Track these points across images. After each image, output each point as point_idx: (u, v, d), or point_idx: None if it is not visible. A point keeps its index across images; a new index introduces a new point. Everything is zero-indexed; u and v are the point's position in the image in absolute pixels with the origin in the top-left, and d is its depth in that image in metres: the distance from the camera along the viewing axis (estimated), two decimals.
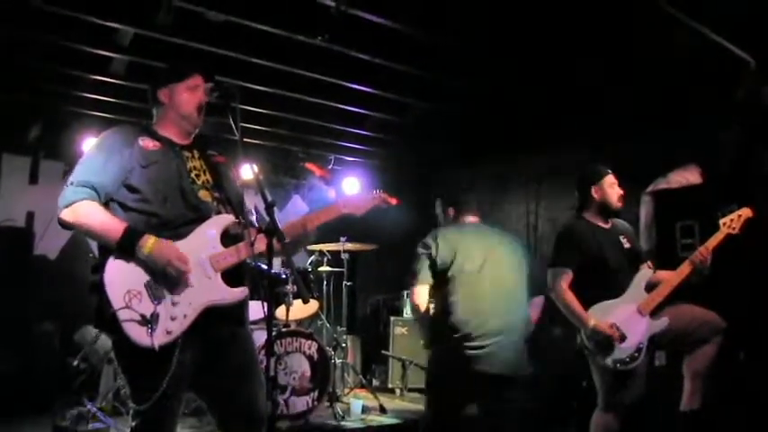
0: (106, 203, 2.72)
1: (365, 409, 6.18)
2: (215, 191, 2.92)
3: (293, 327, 6.02)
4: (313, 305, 6.52)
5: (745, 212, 3.94)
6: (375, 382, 7.65)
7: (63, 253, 7.13)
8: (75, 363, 5.77)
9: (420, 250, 4.06)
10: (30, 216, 7.10)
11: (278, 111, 6.92)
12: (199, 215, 2.79)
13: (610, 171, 4.19)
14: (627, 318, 3.83)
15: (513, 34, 5.37)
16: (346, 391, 6.89)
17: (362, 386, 7.03)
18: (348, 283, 7.27)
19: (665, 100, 5.65)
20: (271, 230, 2.66)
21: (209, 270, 2.72)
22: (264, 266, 2.75)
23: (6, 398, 5.55)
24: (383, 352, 7.52)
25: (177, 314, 2.61)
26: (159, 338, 2.55)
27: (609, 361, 3.77)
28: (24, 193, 7.11)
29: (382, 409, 6.22)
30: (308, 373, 5.73)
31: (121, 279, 2.58)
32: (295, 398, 5.64)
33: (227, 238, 2.82)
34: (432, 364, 4.17)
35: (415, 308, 4.08)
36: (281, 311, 6.01)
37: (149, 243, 2.57)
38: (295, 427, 5.56)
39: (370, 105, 7.00)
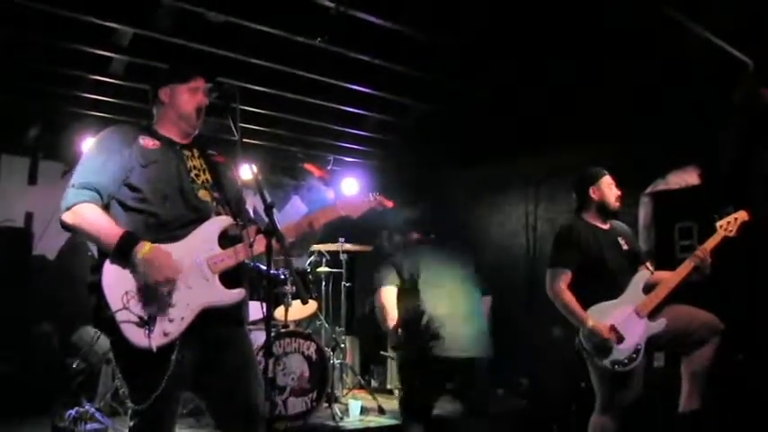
0: (107, 204, 2.72)
1: (364, 410, 6.18)
2: (214, 190, 2.92)
3: (292, 327, 6.03)
4: (312, 306, 6.53)
5: (741, 215, 3.98)
6: (374, 383, 7.65)
7: (62, 253, 7.13)
8: (74, 363, 5.77)
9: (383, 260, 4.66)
10: (29, 216, 7.09)
11: (277, 111, 6.91)
12: (198, 215, 2.79)
13: (607, 172, 4.20)
14: (625, 319, 3.83)
15: (513, 35, 5.38)
16: (345, 391, 6.90)
17: (361, 387, 7.03)
18: (347, 284, 7.28)
19: (664, 101, 5.65)
20: (270, 231, 2.66)
21: (206, 272, 2.72)
22: (263, 267, 2.75)
23: (5, 398, 5.55)
24: (382, 353, 7.52)
25: (175, 316, 2.61)
26: (157, 340, 2.55)
27: (607, 362, 3.77)
28: (23, 193, 7.10)
29: (381, 410, 6.22)
30: (307, 374, 5.74)
31: (119, 281, 2.58)
32: (294, 398, 5.64)
33: (226, 239, 2.82)
34: (403, 360, 4.56)
35: (383, 308, 4.50)
36: (279, 312, 6.01)
37: (145, 248, 2.57)
38: (293, 427, 5.57)
39: (369, 106, 7.00)
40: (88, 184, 2.67)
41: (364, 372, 7.83)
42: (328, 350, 6.16)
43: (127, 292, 2.57)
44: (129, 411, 2.69)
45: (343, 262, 7.01)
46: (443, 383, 4.53)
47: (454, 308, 4.44)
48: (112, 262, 2.59)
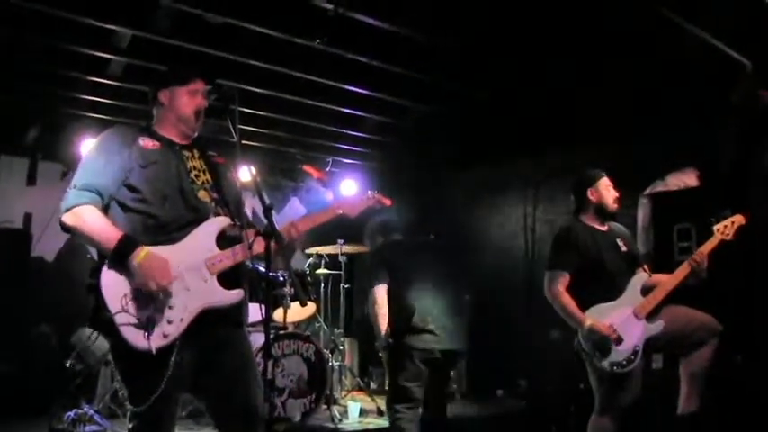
0: (107, 205, 2.73)
1: (362, 412, 6.19)
2: (214, 191, 2.93)
3: (291, 329, 6.03)
4: (311, 307, 6.53)
5: (738, 219, 4.00)
6: (372, 385, 7.65)
7: (60, 255, 7.12)
8: (72, 365, 5.76)
9: (375, 258, 4.74)
10: (27, 218, 7.09)
11: (276, 113, 6.91)
12: (197, 216, 2.79)
13: (605, 174, 4.21)
14: (623, 321, 3.84)
15: (512, 37, 5.38)
16: (343, 393, 6.90)
17: (360, 388, 7.04)
18: (345, 286, 7.28)
19: (663, 103, 5.66)
20: (269, 233, 2.66)
21: (205, 273, 2.72)
22: (262, 269, 2.75)
23: (3, 399, 5.54)
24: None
25: (174, 317, 2.61)
26: (156, 342, 2.55)
27: (605, 363, 3.77)
28: (22, 194, 7.10)
29: (380, 412, 6.23)
30: (306, 376, 5.74)
31: (118, 283, 2.58)
32: (292, 400, 5.64)
33: (224, 240, 2.82)
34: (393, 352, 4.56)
35: (374, 305, 4.55)
36: (278, 314, 6.01)
37: (142, 254, 2.57)
38: (292, 429, 5.56)
39: (368, 108, 7.00)
40: (89, 186, 2.67)
41: (363, 373, 7.83)
42: (327, 352, 6.16)
43: (126, 295, 2.57)
44: (128, 413, 2.69)
45: (341, 264, 7.01)
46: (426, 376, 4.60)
47: (437, 305, 4.53)
48: (110, 266, 2.60)
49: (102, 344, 5.55)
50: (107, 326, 2.55)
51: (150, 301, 2.59)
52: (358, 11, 4.88)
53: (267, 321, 2.61)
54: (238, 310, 2.88)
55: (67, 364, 5.70)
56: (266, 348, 2.66)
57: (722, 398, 4.44)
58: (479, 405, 6.92)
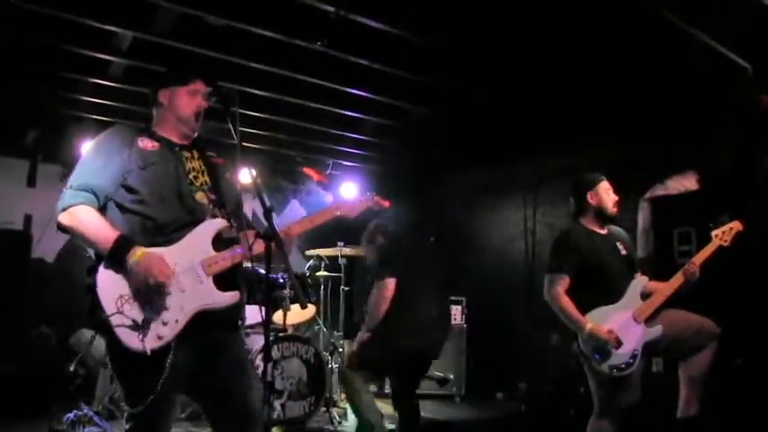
0: (104, 204, 2.73)
1: None
2: (212, 193, 2.93)
3: (290, 331, 6.02)
4: (310, 310, 6.53)
5: (736, 225, 4.03)
6: (372, 388, 7.63)
7: (60, 256, 7.13)
8: (72, 366, 5.75)
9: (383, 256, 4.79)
10: (27, 219, 7.10)
11: (276, 115, 6.92)
12: (194, 218, 2.79)
13: (604, 177, 4.21)
14: (622, 324, 3.83)
15: (512, 39, 5.38)
16: (343, 396, 6.88)
17: None
18: (345, 288, 7.27)
19: (663, 106, 5.66)
20: (269, 235, 2.65)
21: (200, 274, 2.72)
22: (262, 271, 2.75)
23: (3, 401, 5.54)
24: None
25: (169, 319, 2.61)
26: (151, 343, 2.55)
27: (605, 366, 3.77)
28: (22, 196, 7.11)
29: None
30: (305, 378, 5.73)
31: (114, 284, 2.58)
32: (292, 402, 5.64)
33: (220, 242, 2.81)
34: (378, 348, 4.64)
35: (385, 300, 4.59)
36: (278, 316, 6.00)
37: (138, 253, 2.58)
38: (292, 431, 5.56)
39: (368, 110, 7.00)
40: (85, 186, 2.68)
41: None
42: (327, 354, 6.15)
43: (121, 296, 2.57)
44: (125, 414, 2.69)
45: (341, 266, 7.00)
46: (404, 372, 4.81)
47: (428, 307, 4.65)
48: (107, 266, 2.60)
49: (101, 346, 5.54)
50: (102, 326, 2.55)
51: (146, 303, 2.59)
52: (359, 13, 4.88)
53: (267, 324, 2.60)
54: (235, 311, 2.87)
55: (71, 368, 5.70)
56: (266, 351, 2.65)
57: (722, 401, 4.44)
58: (479, 408, 6.92)
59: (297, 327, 6.49)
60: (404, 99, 6.70)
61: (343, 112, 6.91)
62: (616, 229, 4.27)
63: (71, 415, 5.10)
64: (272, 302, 5.61)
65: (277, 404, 5.49)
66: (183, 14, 4.91)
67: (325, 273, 6.96)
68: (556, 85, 5.99)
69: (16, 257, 6.84)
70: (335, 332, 7.07)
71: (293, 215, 8.98)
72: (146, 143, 2.84)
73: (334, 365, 6.51)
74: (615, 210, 4.15)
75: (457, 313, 7.46)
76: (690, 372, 3.92)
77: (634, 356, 3.79)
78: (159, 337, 2.58)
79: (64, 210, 2.65)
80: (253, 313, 5.76)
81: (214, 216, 2.86)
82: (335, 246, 6.63)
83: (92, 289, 2.58)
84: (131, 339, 2.54)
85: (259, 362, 5.40)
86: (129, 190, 2.73)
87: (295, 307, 6.01)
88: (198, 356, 2.72)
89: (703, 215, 4.40)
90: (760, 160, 5.14)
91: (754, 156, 5.19)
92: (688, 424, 3.90)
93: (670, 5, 4.36)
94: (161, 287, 2.60)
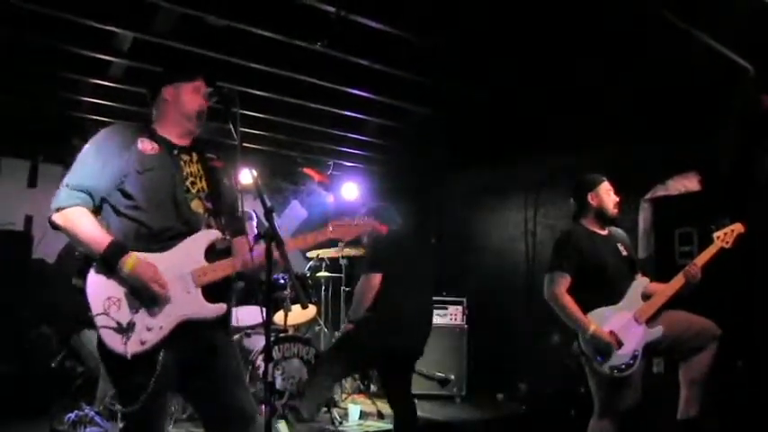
0: (100, 205, 2.74)
1: (363, 415, 6.17)
2: (208, 200, 2.93)
3: (291, 332, 6.02)
4: (311, 311, 6.53)
5: (738, 228, 4.05)
6: (373, 388, 7.62)
7: (61, 257, 7.11)
8: (73, 366, 5.76)
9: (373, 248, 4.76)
10: (28, 220, 7.10)
11: (277, 116, 6.92)
12: (188, 228, 2.80)
13: (605, 178, 4.21)
14: (623, 325, 3.84)
15: (513, 39, 5.38)
16: (344, 396, 6.88)
17: (360, 391, 7.02)
18: (346, 289, 7.28)
19: (663, 106, 5.66)
20: (270, 235, 2.65)
21: (190, 285, 2.73)
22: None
23: (4, 401, 5.54)
24: None
25: (153, 325, 2.63)
26: (132, 347, 2.57)
27: (605, 367, 3.77)
28: (23, 196, 7.10)
29: (380, 415, 6.21)
30: (306, 379, 5.72)
31: (103, 287, 2.61)
32: (293, 403, 5.62)
33: (213, 253, 2.82)
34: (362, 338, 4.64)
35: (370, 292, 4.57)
36: (279, 317, 6.00)
37: (130, 261, 2.59)
38: None
39: (369, 111, 7.01)
40: (81, 187, 2.69)
41: (363, 376, 7.81)
42: None
43: (109, 298, 2.60)
44: (119, 413, 2.71)
45: (342, 267, 7.00)
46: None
47: (414, 305, 4.62)
48: (98, 270, 2.62)
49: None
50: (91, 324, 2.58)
51: (133, 307, 2.61)
52: (359, 14, 4.89)
53: (268, 324, 2.61)
54: (223, 318, 2.87)
55: (72, 367, 5.70)
56: (267, 351, 2.66)
57: (722, 403, 4.44)
58: (480, 408, 6.91)
59: (297, 327, 6.49)
60: (404, 99, 6.71)
61: (344, 112, 6.92)
62: (616, 230, 4.28)
63: (72, 415, 5.10)
64: (272, 303, 5.61)
65: (278, 404, 5.48)
66: (184, 15, 4.92)
67: (326, 273, 6.96)
68: (556, 86, 5.99)
69: (17, 258, 6.84)
70: (336, 332, 7.07)
71: (294, 215, 8.97)
72: (145, 145, 2.83)
73: None
74: (616, 211, 4.16)
75: (457, 313, 7.46)
76: (690, 373, 3.92)
77: (635, 357, 3.79)
78: (142, 342, 2.59)
79: (58, 210, 2.67)
80: (254, 314, 5.79)
81: (209, 226, 2.87)
82: (336, 246, 6.63)
83: (82, 289, 2.61)
84: (114, 341, 2.56)
85: (260, 362, 5.40)
86: (126, 195, 2.73)
87: (296, 307, 6.01)
88: (190, 357, 2.74)
89: (704, 216, 4.40)
90: (760, 160, 5.14)
91: (754, 156, 5.19)
92: (688, 425, 3.90)
93: (670, 5, 4.36)
94: (153, 296, 2.62)
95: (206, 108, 2.94)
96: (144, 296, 2.62)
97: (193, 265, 2.75)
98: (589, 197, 4.15)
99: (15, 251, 6.87)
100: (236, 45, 5.38)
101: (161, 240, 2.73)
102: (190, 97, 2.93)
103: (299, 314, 6.23)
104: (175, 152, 2.92)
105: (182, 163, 2.92)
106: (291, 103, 6.61)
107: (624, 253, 4.13)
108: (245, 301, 5.81)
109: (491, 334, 7.25)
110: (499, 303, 7.39)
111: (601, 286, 3.94)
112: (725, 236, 4.01)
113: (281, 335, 5.82)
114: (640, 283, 4.03)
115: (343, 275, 7.09)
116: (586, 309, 3.86)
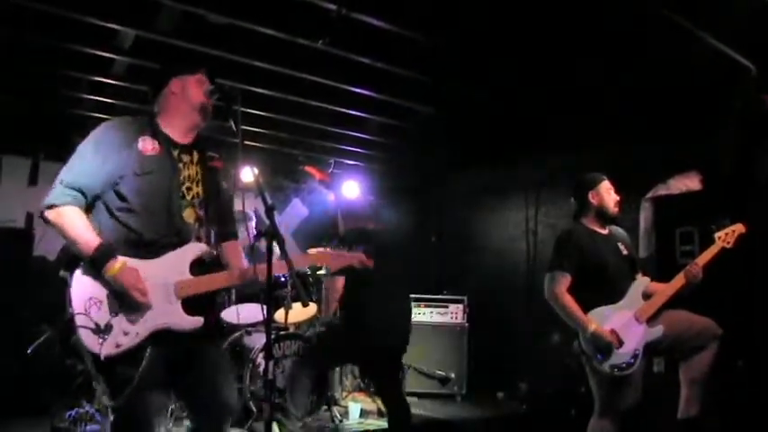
0: (93, 203, 2.76)
1: (363, 413, 6.18)
2: (201, 207, 2.94)
3: (292, 330, 6.02)
4: (312, 309, 6.52)
5: (739, 228, 4.06)
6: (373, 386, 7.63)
7: (61, 254, 7.11)
8: (73, 364, 5.75)
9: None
10: (29, 218, 7.09)
11: (278, 114, 6.91)
12: (178, 239, 2.82)
13: (606, 177, 4.21)
14: (624, 324, 3.84)
15: (514, 39, 5.38)
16: (344, 394, 6.89)
17: (361, 389, 7.02)
18: None
19: (663, 106, 5.66)
20: (270, 233, 2.66)
21: (171, 295, 2.75)
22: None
23: (4, 399, 5.55)
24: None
25: (130, 330, 2.66)
26: (107, 349, 2.60)
27: (606, 366, 3.77)
28: (24, 194, 7.10)
29: (380, 413, 6.21)
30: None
31: (88, 285, 2.65)
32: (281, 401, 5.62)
33: (199, 266, 2.84)
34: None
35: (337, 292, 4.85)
36: (279, 315, 6.00)
37: (116, 266, 2.62)
38: (292, 430, 5.55)
39: (370, 109, 7.00)
40: (75, 185, 2.70)
41: (364, 375, 7.81)
42: None
43: (91, 298, 2.64)
44: (109, 408, 2.73)
45: None
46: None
47: (383, 304, 4.64)
48: (84, 270, 2.66)
49: None
50: (69, 323, 2.63)
51: (113, 311, 2.64)
52: (361, 12, 4.88)
53: (268, 322, 2.62)
54: (207, 330, 2.89)
55: (72, 365, 5.69)
56: (267, 349, 2.67)
57: (723, 402, 4.44)
58: (480, 407, 6.92)
59: (298, 325, 6.49)
60: (405, 98, 6.70)
61: (345, 110, 6.91)
62: (617, 229, 4.28)
63: (72, 413, 5.12)
64: (273, 301, 5.61)
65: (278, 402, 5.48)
66: (185, 12, 4.92)
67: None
68: (556, 86, 5.99)
69: (17, 256, 6.83)
70: None
71: (295, 213, 8.97)
72: (146, 145, 2.82)
73: None
74: (616, 210, 4.16)
75: (458, 312, 7.46)
76: (691, 372, 3.92)
77: (635, 356, 3.79)
78: (117, 345, 2.62)
79: (50, 207, 2.69)
80: (254, 311, 5.79)
81: (198, 238, 2.89)
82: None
83: (66, 286, 2.66)
84: (91, 341, 2.60)
85: (260, 360, 5.41)
86: (120, 197, 2.74)
87: (296, 305, 6.01)
88: (175, 353, 2.76)
89: (705, 215, 4.40)
90: (761, 160, 5.14)
91: (755, 156, 5.19)
92: (689, 424, 3.90)
93: (671, 5, 4.36)
94: (134, 303, 2.64)
95: (210, 105, 2.93)
96: (125, 301, 2.64)
97: (177, 277, 2.76)
98: (590, 196, 4.15)
99: (16, 249, 6.86)
100: (237, 43, 5.37)
101: (150, 248, 2.75)
102: (195, 90, 2.93)
103: (299, 312, 6.23)
104: (176, 152, 2.91)
105: (180, 165, 2.91)
106: (293, 101, 6.60)
107: (625, 252, 4.13)
108: (246, 298, 5.81)
109: (491, 333, 7.26)
110: (500, 303, 7.40)
111: (601, 285, 3.95)
112: (726, 236, 4.02)
113: (282, 333, 5.82)
114: (641, 282, 4.04)
115: None
116: (587, 308, 3.87)
